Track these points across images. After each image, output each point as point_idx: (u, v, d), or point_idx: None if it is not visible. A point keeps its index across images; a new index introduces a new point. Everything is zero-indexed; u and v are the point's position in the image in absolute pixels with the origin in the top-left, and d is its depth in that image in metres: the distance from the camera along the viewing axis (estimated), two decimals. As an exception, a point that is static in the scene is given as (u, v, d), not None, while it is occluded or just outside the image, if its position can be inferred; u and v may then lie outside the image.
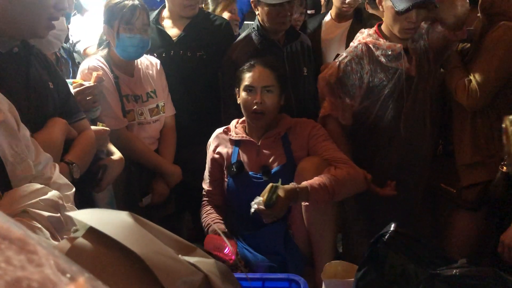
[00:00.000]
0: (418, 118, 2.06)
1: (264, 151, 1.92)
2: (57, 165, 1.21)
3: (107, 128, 1.77)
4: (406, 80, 1.99)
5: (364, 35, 2.05)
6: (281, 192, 1.63)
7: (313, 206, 1.77)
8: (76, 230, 0.59)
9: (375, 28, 2.05)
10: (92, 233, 0.57)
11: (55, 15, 1.29)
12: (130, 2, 1.99)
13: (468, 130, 1.99)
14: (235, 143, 1.96)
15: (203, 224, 1.99)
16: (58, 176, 1.16)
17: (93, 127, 1.76)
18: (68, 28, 2.27)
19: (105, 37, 2.11)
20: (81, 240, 0.55)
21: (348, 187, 1.78)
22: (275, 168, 1.88)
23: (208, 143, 2.04)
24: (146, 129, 2.17)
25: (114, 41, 2.02)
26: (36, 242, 0.33)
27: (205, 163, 2.06)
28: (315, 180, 1.71)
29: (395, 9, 1.85)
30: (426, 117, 2.08)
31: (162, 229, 0.65)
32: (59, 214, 0.92)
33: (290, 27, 2.29)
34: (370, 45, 2.02)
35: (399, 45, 1.98)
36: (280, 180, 1.67)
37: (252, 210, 1.64)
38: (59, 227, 0.91)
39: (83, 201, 1.65)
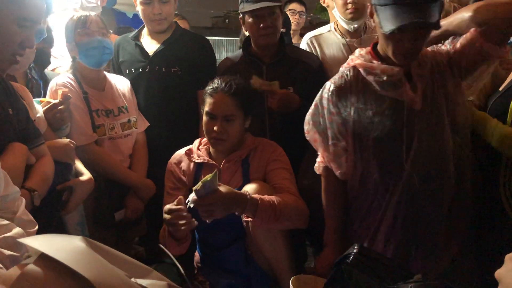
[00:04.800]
0: (434, 163, 1.60)
1: (225, 174, 1.87)
2: (23, 200, 1.20)
3: (73, 141, 1.77)
4: (408, 115, 1.56)
5: (354, 56, 1.67)
6: (222, 188, 1.56)
7: (257, 225, 1.69)
8: (28, 257, 0.60)
9: (369, 47, 1.66)
10: (43, 259, 0.58)
11: (20, 53, 1.29)
12: (81, 13, 2.08)
13: None
14: (197, 165, 1.91)
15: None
16: (23, 212, 1.15)
17: (57, 140, 1.76)
18: (49, 52, 2.27)
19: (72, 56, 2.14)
20: (32, 267, 0.56)
21: (293, 217, 1.69)
22: None
23: (169, 163, 1.96)
24: (117, 144, 2.17)
25: (77, 52, 2.07)
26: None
27: None
28: (265, 197, 1.64)
29: (381, 30, 1.48)
30: (447, 160, 1.60)
31: (117, 253, 0.67)
32: (19, 254, 0.92)
33: (280, 43, 2.25)
34: (361, 69, 1.61)
35: (397, 68, 1.55)
36: (216, 170, 1.58)
37: (189, 201, 1.55)
38: None
39: (51, 223, 1.63)
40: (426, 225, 1.62)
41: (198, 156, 1.92)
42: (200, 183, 1.50)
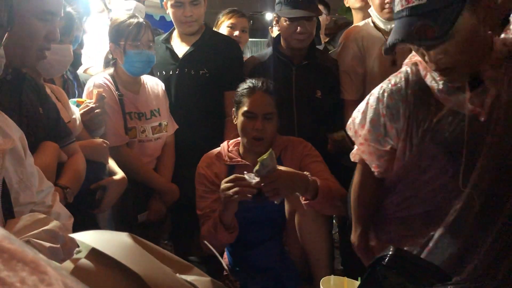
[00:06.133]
0: (502, 186, 1.25)
1: None
2: (58, 194, 1.24)
3: (106, 141, 1.81)
4: (470, 127, 1.25)
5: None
6: (282, 167, 1.62)
7: (306, 216, 1.74)
8: (79, 252, 0.62)
9: None
10: (94, 253, 0.60)
11: (46, 46, 1.31)
12: (136, 20, 2.08)
13: None
14: (229, 167, 1.93)
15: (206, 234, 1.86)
16: (58, 205, 1.19)
17: (91, 140, 1.81)
18: (81, 53, 2.34)
19: (111, 56, 2.18)
20: (84, 261, 0.59)
21: (340, 201, 1.76)
22: None
23: (199, 167, 1.98)
24: (147, 147, 2.21)
25: (122, 58, 2.10)
26: (46, 264, 0.36)
27: None
28: (321, 181, 1.70)
29: None
30: None
31: (160, 249, 0.68)
32: (59, 245, 0.95)
33: (311, 46, 2.29)
34: (420, 67, 1.37)
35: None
36: (271, 149, 1.63)
37: (253, 181, 1.61)
38: (57, 257, 0.94)
39: (85, 220, 1.68)
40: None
41: (230, 158, 1.94)
42: (258, 164, 1.55)
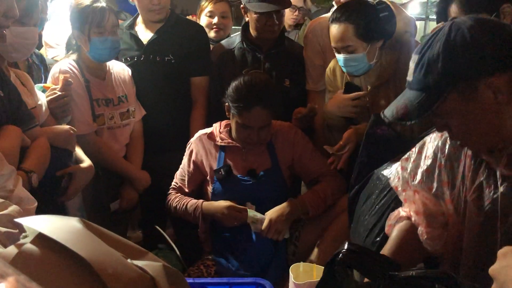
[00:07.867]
0: None
1: (250, 156, 1.96)
2: (20, 178, 1.21)
3: (73, 128, 1.78)
4: (504, 195, 1.05)
5: None
6: (272, 212, 1.83)
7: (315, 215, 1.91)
8: (26, 236, 0.61)
9: None
10: (41, 239, 0.59)
11: (5, 24, 1.27)
12: (99, 5, 2.01)
13: None
14: (220, 148, 1.97)
15: (177, 205, 2.00)
16: (20, 189, 1.16)
17: (58, 126, 1.78)
18: (41, 34, 2.26)
19: (74, 41, 2.11)
20: (29, 246, 0.57)
21: (335, 194, 1.95)
22: (261, 171, 1.94)
23: (189, 143, 2.03)
24: (116, 134, 2.18)
25: (87, 45, 2.03)
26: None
27: (176, 169, 2.06)
28: (306, 194, 1.96)
29: None
30: None
31: (114, 235, 0.67)
32: (17, 230, 0.93)
33: (279, 33, 2.29)
34: None
35: None
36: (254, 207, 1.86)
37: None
38: (15, 242, 0.92)
39: (53, 208, 1.65)
40: None
41: (222, 139, 1.97)
42: (249, 221, 1.82)
